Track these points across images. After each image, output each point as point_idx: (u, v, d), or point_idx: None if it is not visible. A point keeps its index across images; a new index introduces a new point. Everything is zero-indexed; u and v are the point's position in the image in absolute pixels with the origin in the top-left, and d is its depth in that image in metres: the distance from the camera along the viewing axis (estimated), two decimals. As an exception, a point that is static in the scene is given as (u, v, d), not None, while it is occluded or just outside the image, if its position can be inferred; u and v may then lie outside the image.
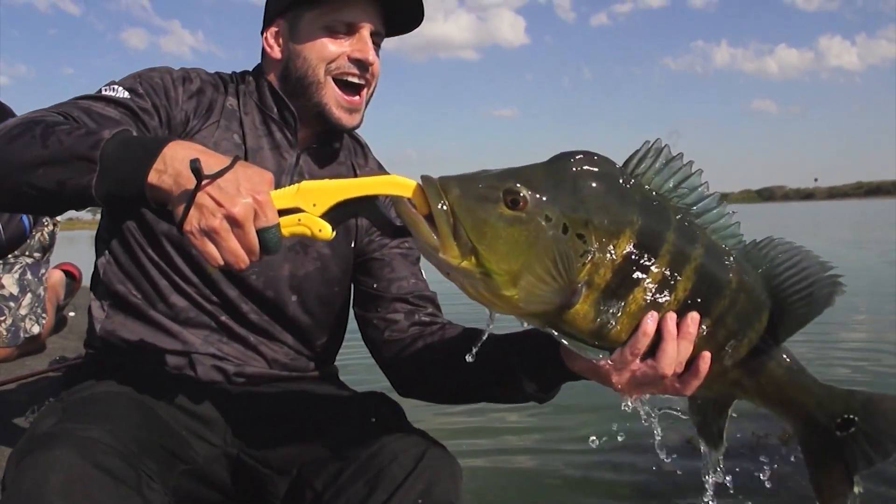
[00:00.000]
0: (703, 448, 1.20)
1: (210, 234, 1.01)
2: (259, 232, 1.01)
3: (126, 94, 1.34)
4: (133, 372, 1.39)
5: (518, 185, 0.96)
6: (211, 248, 1.01)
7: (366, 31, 1.46)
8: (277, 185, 1.04)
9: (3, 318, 3.02)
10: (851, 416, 1.11)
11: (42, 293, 3.16)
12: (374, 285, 1.53)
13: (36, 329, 3.12)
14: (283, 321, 1.48)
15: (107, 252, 1.46)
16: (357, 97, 1.47)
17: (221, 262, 1.01)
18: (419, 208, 0.97)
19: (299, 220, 1.04)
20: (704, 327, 1.05)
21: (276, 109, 1.48)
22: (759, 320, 1.08)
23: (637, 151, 1.03)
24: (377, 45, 1.50)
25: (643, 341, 1.03)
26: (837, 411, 1.12)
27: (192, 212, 1.01)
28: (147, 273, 1.42)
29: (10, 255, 3.06)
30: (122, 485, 1.07)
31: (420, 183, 0.98)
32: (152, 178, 1.04)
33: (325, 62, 1.44)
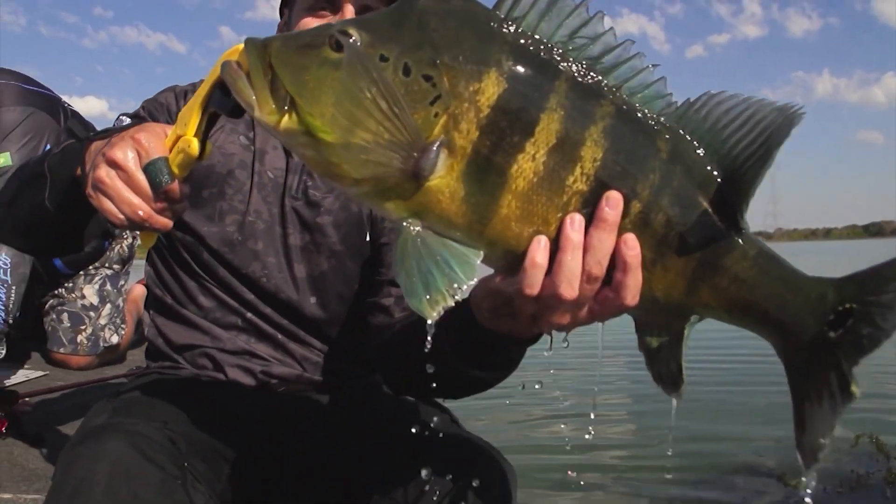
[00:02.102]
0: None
1: (99, 186, 0.97)
2: (145, 170, 0.96)
3: (129, 122, 1.34)
4: (177, 372, 1.40)
5: (348, 26, 0.76)
6: (106, 203, 0.97)
7: (349, 4, 1.35)
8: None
9: (83, 327, 3.07)
10: (848, 306, 0.81)
11: (121, 304, 3.21)
12: (381, 270, 1.43)
13: (115, 339, 3.16)
14: (303, 322, 1.41)
15: (149, 261, 1.49)
16: None
17: (121, 216, 0.97)
18: (244, 68, 0.81)
19: (177, 146, 0.96)
20: (632, 213, 0.79)
21: None
22: (707, 198, 0.80)
23: None
24: None
25: (539, 241, 0.78)
26: (830, 305, 0.82)
27: (88, 175, 1.00)
28: (177, 276, 1.43)
29: (90, 267, 3.12)
30: (168, 480, 1.05)
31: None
32: (78, 171, 1.05)
33: None
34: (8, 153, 2.59)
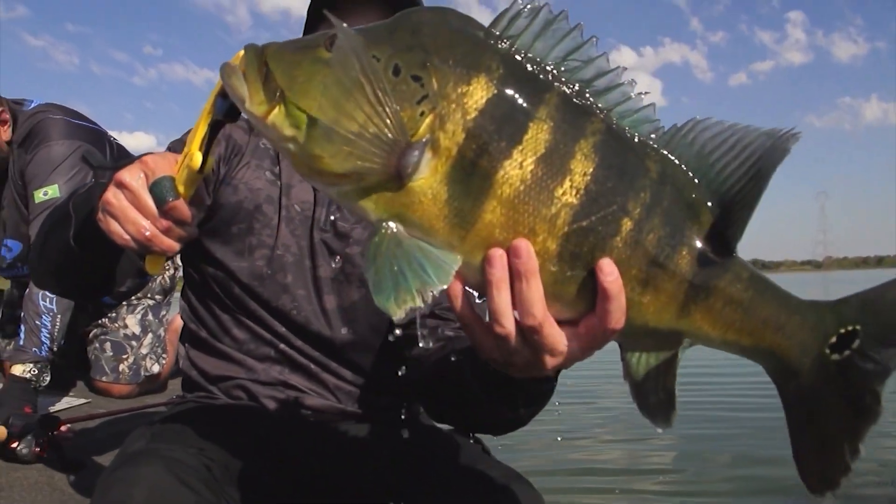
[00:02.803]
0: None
1: (106, 207, 0.98)
2: (151, 189, 0.95)
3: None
4: (212, 401, 1.42)
5: (342, 29, 0.75)
6: (113, 224, 0.98)
7: None
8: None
9: (125, 356, 3.14)
10: (851, 328, 0.78)
11: (162, 334, 3.27)
12: None
13: (156, 368, 3.22)
14: (335, 353, 1.43)
15: (184, 296, 1.52)
16: None
17: (126, 237, 0.97)
18: (240, 67, 0.82)
19: (181, 162, 0.96)
20: (623, 231, 0.77)
21: None
22: (698, 220, 0.78)
23: (506, 10, 0.78)
24: None
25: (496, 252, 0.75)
26: (830, 328, 0.79)
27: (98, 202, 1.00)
28: (210, 310, 1.45)
29: (133, 297, 3.18)
30: None
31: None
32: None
33: None
34: (56, 185, 2.68)
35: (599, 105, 0.78)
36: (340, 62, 0.73)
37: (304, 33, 1.52)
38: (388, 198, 0.75)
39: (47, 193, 2.66)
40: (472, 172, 0.74)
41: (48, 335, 2.55)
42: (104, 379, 3.11)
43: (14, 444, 2.17)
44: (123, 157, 3.03)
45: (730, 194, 0.78)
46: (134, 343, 3.17)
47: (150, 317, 3.25)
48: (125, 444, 1.28)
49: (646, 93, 0.78)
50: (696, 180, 0.79)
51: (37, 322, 2.55)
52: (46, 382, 2.56)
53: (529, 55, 0.77)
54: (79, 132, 2.83)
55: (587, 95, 0.78)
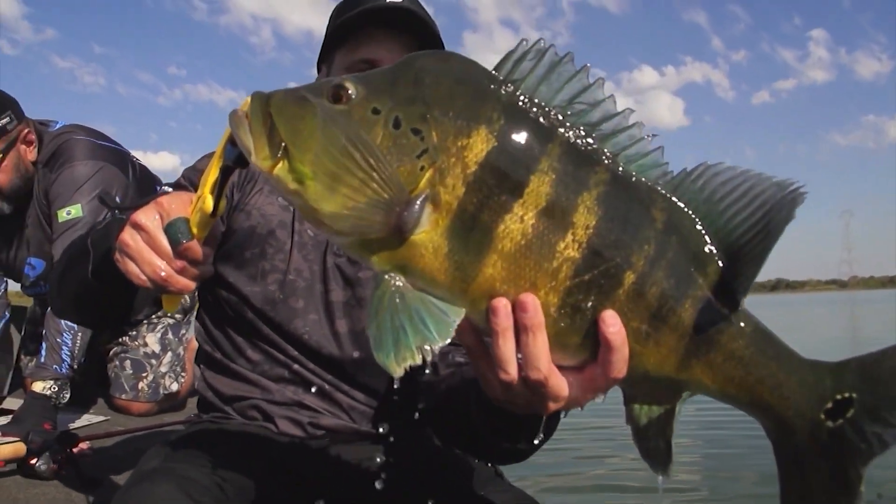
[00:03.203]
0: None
1: (123, 248, 1.00)
2: (166, 230, 0.98)
3: (169, 189, 1.39)
4: (228, 422, 1.43)
5: (346, 80, 0.77)
6: (130, 265, 1.00)
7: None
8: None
9: (144, 375, 3.16)
10: (847, 395, 0.78)
11: (182, 353, 3.29)
12: None
13: (175, 387, 3.24)
14: (347, 376, 1.43)
15: (199, 319, 1.54)
16: None
17: (143, 277, 0.99)
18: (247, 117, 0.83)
19: (195, 205, 0.98)
20: (625, 284, 0.76)
21: None
22: (703, 272, 0.78)
23: (511, 53, 0.77)
24: None
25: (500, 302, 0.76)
26: (827, 392, 0.78)
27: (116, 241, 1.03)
28: (225, 332, 1.46)
29: (153, 316, 3.21)
30: None
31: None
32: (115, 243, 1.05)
33: None
34: (79, 204, 2.73)
35: (606, 150, 0.77)
36: (339, 124, 0.74)
37: (320, 58, 1.55)
38: (390, 251, 0.76)
39: (70, 213, 2.71)
40: (473, 226, 0.75)
41: (69, 353, 2.58)
42: (123, 396, 3.14)
43: (33, 461, 2.19)
44: (146, 178, 3.07)
45: (738, 244, 0.77)
46: (153, 361, 3.20)
47: (169, 335, 3.27)
48: (140, 463, 1.29)
49: (654, 135, 0.78)
50: (704, 229, 0.78)
51: (58, 340, 2.58)
52: (66, 399, 2.59)
53: (534, 100, 0.77)
54: (102, 153, 2.88)
55: (593, 141, 0.77)
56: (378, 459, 1.39)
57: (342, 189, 0.74)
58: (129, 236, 1.00)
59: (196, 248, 0.98)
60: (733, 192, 0.77)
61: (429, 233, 0.75)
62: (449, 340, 0.74)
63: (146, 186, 3.07)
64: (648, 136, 0.78)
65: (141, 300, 1.23)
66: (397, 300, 0.75)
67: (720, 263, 0.78)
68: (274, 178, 0.77)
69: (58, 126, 2.97)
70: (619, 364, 0.77)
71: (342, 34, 1.44)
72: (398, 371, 0.73)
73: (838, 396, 0.78)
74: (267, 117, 0.78)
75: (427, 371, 1.32)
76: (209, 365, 1.49)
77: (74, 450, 2.29)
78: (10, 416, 2.53)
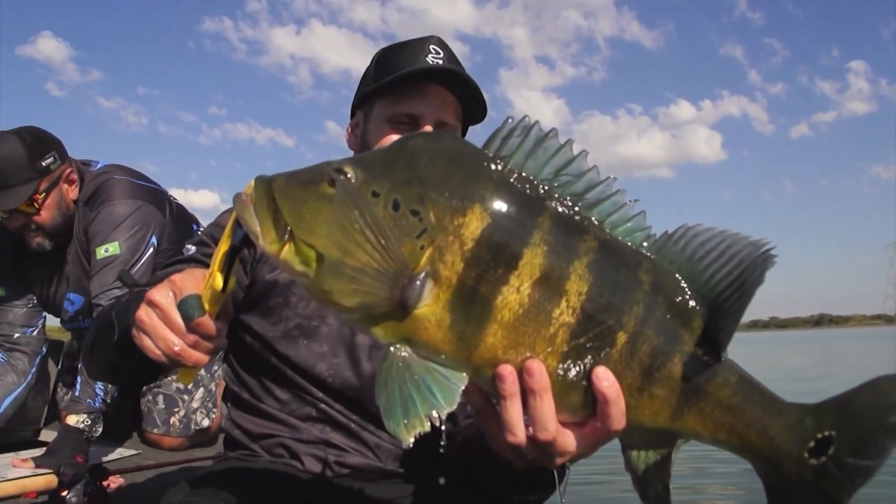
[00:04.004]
0: None
1: (139, 325, 1.04)
2: (179, 307, 1.01)
3: (193, 249, 1.46)
4: (254, 459, 1.47)
5: (344, 164, 0.82)
6: (146, 341, 1.04)
7: (429, 123, 1.47)
8: None
9: (176, 410, 3.20)
10: (827, 433, 0.84)
11: (214, 389, 3.33)
12: None
13: (206, 423, 3.27)
14: (371, 416, 1.47)
15: (226, 360, 1.60)
16: None
17: (158, 352, 1.03)
18: (251, 201, 0.87)
19: (206, 282, 1.03)
20: (618, 343, 0.82)
21: None
22: (689, 327, 0.84)
23: (498, 130, 0.83)
24: None
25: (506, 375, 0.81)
26: (809, 433, 0.84)
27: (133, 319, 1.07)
28: (251, 374, 1.52)
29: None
30: None
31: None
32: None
33: None
34: (117, 242, 2.81)
35: (592, 218, 0.83)
36: (342, 207, 0.79)
37: (357, 103, 1.59)
38: (395, 324, 0.81)
39: (108, 250, 2.78)
40: (472, 299, 0.80)
41: (102, 387, 2.63)
42: (155, 431, 3.18)
43: (64, 493, 2.24)
44: (182, 217, 3.14)
45: (719, 300, 0.83)
46: (185, 397, 3.24)
47: (202, 372, 3.32)
48: (165, 497, 1.33)
49: (636, 200, 0.84)
50: (687, 287, 0.84)
51: None
52: (98, 433, 2.64)
53: (523, 175, 0.82)
54: (140, 192, 2.96)
55: (580, 210, 0.83)
56: (402, 499, 1.40)
57: (348, 270, 0.78)
58: (144, 313, 1.04)
59: (208, 323, 1.01)
60: (712, 252, 0.83)
61: (431, 306, 0.80)
62: (455, 406, 0.79)
63: (182, 225, 3.15)
64: (631, 201, 0.84)
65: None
66: (405, 371, 0.80)
67: (703, 319, 0.84)
68: (281, 260, 0.82)
69: (99, 166, 3.08)
70: (618, 416, 0.83)
71: (386, 86, 1.49)
72: (409, 439, 0.78)
73: (819, 435, 0.84)
74: (271, 201, 0.82)
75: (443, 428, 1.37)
76: (236, 404, 1.53)
77: (105, 483, 2.33)
78: (45, 449, 2.58)
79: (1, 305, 3.14)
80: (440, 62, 1.47)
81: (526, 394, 0.82)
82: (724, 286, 0.82)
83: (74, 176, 2.93)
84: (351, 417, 1.44)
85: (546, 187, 0.83)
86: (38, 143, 2.84)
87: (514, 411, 0.83)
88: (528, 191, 0.82)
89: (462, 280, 0.80)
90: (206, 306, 1.01)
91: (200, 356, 1.03)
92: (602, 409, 0.82)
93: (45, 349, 3.26)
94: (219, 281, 1.01)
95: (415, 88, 1.47)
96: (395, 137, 1.36)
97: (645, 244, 0.85)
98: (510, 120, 0.83)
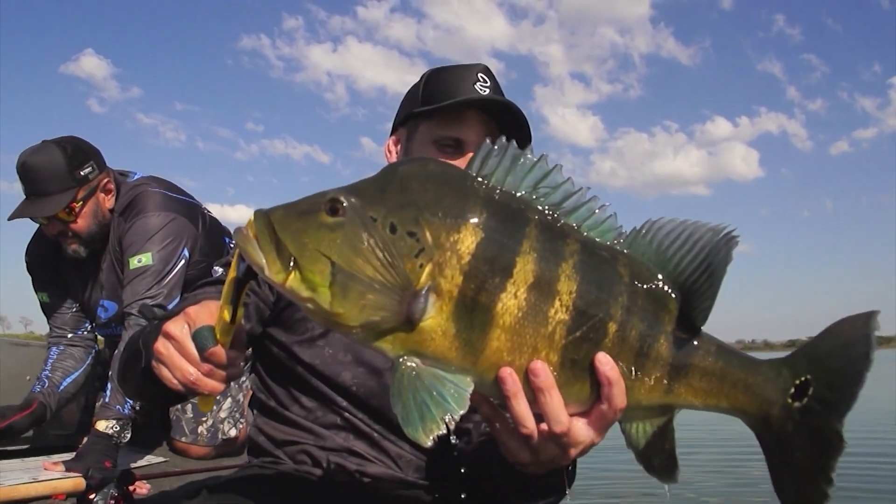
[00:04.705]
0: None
1: (157, 356, 1.09)
2: (193, 338, 1.06)
3: (220, 271, 1.51)
4: (276, 467, 1.49)
5: (339, 193, 0.87)
6: (163, 371, 1.08)
7: (471, 150, 1.51)
8: None
9: (205, 419, 3.25)
10: (804, 378, 0.95)
11: (241, 399, 3.37)
12: None
13: (233, 432, 3.31)
14: (393, 426, 1.49)
15: (254, 370, 1.64)
16: None
17: (175, 381, 1.07)
18: (252, 234, 0.91)
19: (218, 314, 1.07)
20: (609, 333, 0.90)
21: None
22: (667, 309, 0.93)
23: (478, 152, 0.90)
24: None
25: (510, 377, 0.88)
26: (788, 381, 0.95)
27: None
28: (278, 383, 1.55)
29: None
30: None
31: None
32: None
33: None
34: (150, 253, 2.88)
35: (572, 223, 0.91)
36: (350, 230, 0.85)
37: (399, 120, 1.64)
38: (402, 338, 0.87)
39: (141, 260, 2.86)
40: (474, 308, 0.86)
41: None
42: (183, 439, 3.23)
43: (91, 496, 2.29)
44: (215, 230, 3.21)
45: (689, 282, 0.92)
46: (214, 407, 3.27)
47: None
48: (186, 499, 1.37)
49: (607, 204, 0.92)
50: (660, 275, 0.93)
51: None
52: (127, 439, 2.69)
53: (506, 191, 0.89)
54: (174, 205, 3.03)
55: (560, 218, 0.91)
56: None
57: (353, 293, 0.84)
58: (161, 345, 1.09)
59: (220, 352, 1.05)
60: (677, 241, 0.92)
61: (436, 318, 0.86)
62: (466, 409, 0.85)
63: (215, 237, 3.21)
64: (603, 205, 0.92)
65: None
66: (416, 380, 0.86)
67: (678, 300, 0.93)
68: (287, 289, 0.87)
69: (136, 177, 3.16)
70: (620, 396, 0.91)
71: (436, 110, 1.55)
72: (427, 442, 0.84)
73: (797, 381, 0.94)
74: (272, 234, 0.87)
75: (453, 440, 1.42)
76: (263, 411, 1.57)
77: (131, 488, 2.36)
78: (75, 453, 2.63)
79: (49, 310, 3.26)
80: (487, 91, 1.55)
81: (535, 393, 0.88)
82: (692, 269, 0.91)
83: (111, 185, 3.03)
84: (374, 427, 1.46)
85: (527, 199, 0.90)
86: (78, 152, 2.94)
87: (521, 407, 0.89)
88: (512, 204, 0.89)
89: (463, 291, 0.86)
90: (219, 336, 1.05)
91: (215, 384, 1.07)
92: (606, 392, 0.90)
93: (97, 347, 3.34)
94: (227, 313, 1.04)
95: (463, 115, 1.52)
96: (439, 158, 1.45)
97: (618, 241, 0.93)
98: (486, 142, 0.90)
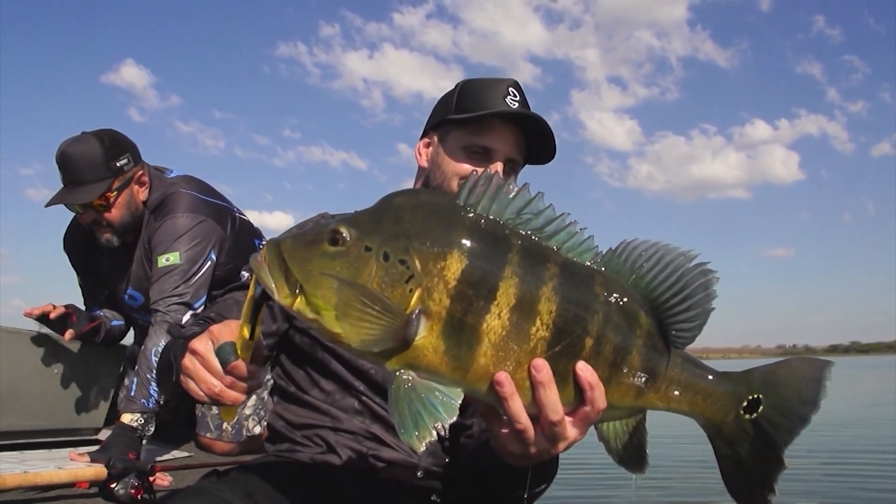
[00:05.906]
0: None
1: (184, 371, 1.19)
2: (216, 353, 1.15)
3: (247, 276, 1.58)
4: (290, 455, 1.57)
5: (339, 224, 0.97)
6: (191, 384, 1.18)
7: (500, 158, 1.62)
8: None
9: (229, 416, 3.26)
10: (756, 396, 1.07)
11: (265, 397, 3.40)
12: None
13: (257, 430, 3.35)
14: None
15: (275, 361, 1.73)
16: None
17: (201, 394, 1.17)
18: (265, 261, 1.03)
19: (238, 331, 1.16)
20: (587, 346, 0.99)
21: None
22: (639, 324, 1.02)
23: (466, 182, 1.00)
24: (513, 172, 1.67)
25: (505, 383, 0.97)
26: (742, 394, 1.08)
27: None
28: (298, 368, 1.65)
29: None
30: None
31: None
32: None
33: (458, 178, 1.61)
34: (178, 252, 2.97)
35: (552, 247, 1.00)
36: (346, 261, 0.95)
37: (431, 125, 1.73)
38: (398, 354, 0.96)
39: (169, 259, 2.94)
40: (461, 328, 0.96)
41: (157, 389, 2.73)
42: (208, 435, 3.28)
43: (112, 485, 2.33)
44: (244, 232, 3.28)
45: (660, 300, 1.02)
46: (236, 416, 3.31)
47: (254, 378, 3.39)
48: (194, 483, 1.45)
49: (584, 228, 1.01)
50: (633, 292, 1.02)
51: (148, 376, 2.78)
52: (151, 432, 2.76)
53: (490, 219, 0.98)
54: (203, 207, 3.12)
55: (540, 242, 1.00)
56: (433, 495, 1.42)
57: (351, 316, 0.94)
58: (188, 360, 1.18)
59: (241, 366, 1.14)
60: (649, 261, 1.01)
61: (427, 337, 0.95)
62: (455, 418, 0.95)
63: (245, 240, 3.29)
64: (581, 229, 1.01)
65: None
66: (411, 391, 0.96)
67: (648, 315, 1.02)
68: (295, 311, 0.98)
69: (172, 174, 3.27)
70: (601, 397, 1.00)
71: (469, 119, 1.65)
72: (420, 447, 0.93)
73: (750, 397, 1.05)
74: (282, 262, 0.98)
75: (446, 444, 1.55)
76: (283, 397, 1.66)
77: (152, 479, 2.41)
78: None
79: (85, 293, 3.42)
80: (516, 104, 1.65)
81: (535, 387, 0.97)
82: (663, 288, 1.01)
83: (146, 178, 3.13)
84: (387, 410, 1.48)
85: (511, 226, 0.99)
86: (115, 144, 3.06)
87: (515, 406, 0.98)
88: (497, 231, 0.98)
89: (450, 313, 0.95)
90: (239, 352, 1.15)
91: (237, 395, 1.16)
92: (588, 395, 0.99)
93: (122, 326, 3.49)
94: (246, 331, 1.14)
95: (492, 125, 1.63)
96: (466, 165, 1.60)
97: (595, 261, 1.01)
98: (474, 172, 1.00)
